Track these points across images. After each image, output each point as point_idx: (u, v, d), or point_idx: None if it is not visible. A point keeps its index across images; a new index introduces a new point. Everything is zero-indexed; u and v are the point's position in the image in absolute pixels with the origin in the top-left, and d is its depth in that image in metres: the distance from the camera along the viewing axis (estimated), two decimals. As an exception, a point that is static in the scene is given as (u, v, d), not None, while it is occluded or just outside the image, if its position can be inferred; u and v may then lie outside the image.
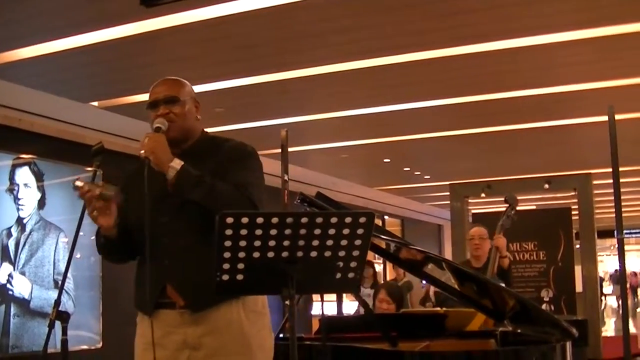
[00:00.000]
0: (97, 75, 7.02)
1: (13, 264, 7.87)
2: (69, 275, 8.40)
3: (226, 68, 6.76)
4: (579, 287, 10.86)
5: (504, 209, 6.07)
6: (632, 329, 12.57)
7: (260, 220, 2.39)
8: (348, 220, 2.45)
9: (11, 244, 7.90)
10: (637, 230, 28.29)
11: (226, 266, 2.46)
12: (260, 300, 2.97)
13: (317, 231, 2.45)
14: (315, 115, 8.81)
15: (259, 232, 2.40)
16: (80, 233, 2.87)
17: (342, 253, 2.52)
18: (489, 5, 5.46)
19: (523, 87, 7.89)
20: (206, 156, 2.98)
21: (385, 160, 12.67)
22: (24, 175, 8.16)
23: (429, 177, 14.87)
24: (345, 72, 7.02)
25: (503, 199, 6.24)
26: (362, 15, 5.67)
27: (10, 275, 7.81)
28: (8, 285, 7.78)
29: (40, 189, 8.32)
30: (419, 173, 14.39)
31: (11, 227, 7.92)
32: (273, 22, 5.77)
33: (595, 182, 11.21)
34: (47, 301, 8.17)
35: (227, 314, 2.87)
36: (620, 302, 24.66)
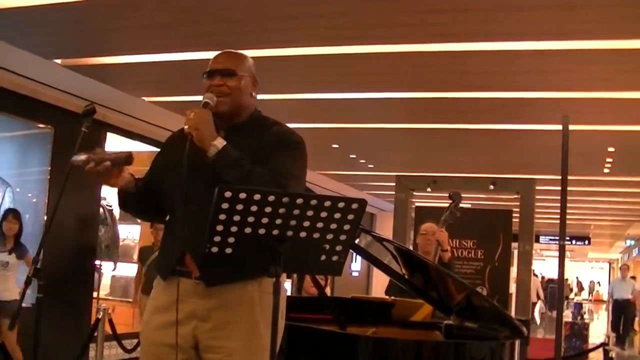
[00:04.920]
0: (66, 33, 6.92)
1: (-43, 215, 7.69)
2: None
3: (198, 40, 6.75)
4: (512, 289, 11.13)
5: (447, 204, 6.22)
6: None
7: (257, 197, 2.42)
8: (341, 205, 2.51)
9: (-44, 195, 7.74)
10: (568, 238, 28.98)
11: (217, 239, 2.49)
12: None
13: (310, 213, 2.49)
14: (272, 95, 8.83)
15: (254, 208, 2.44)
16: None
17: (329, 236, 2.57)
18: (470, 7, 5.59)
19: (483, 89, 8.06)
20: (252, 135, 2.99)
21: (334, 145, 12.76)
22: (-25, 126, 8.02)
23: (372, 166, 15.02)
24: (314, 56, 7.09)
25: (448, 194, 6.38)
26: (343, 3, 5.74)
27: (-47, 227, 7.62)
28: (-51, 237, 7.59)
29: (-10, 141, 8.18)
30: (363, 161, 14.52)
31: (-42, 178, 7.77)
32: (254, 0, 5.80)
33: (537, 187, 11.47)
34: (-12, 255, 8.02)
35: (241, 292, 2.88)
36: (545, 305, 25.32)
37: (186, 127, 2.80)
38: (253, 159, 2.84)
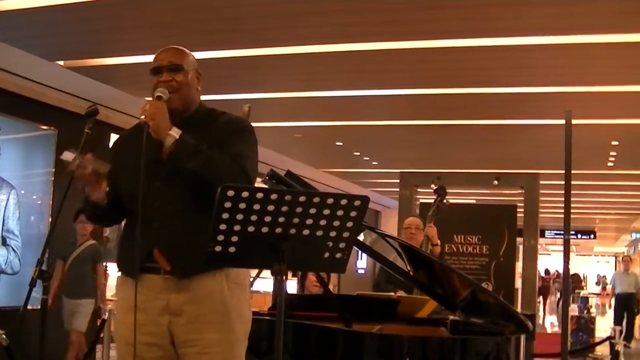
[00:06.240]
0: (68, 34, 6.90)
1: (-38, 218, 7.72)
2: (17, 233, 8.32)
3: (202, 39, 6.70)
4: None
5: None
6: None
7: (260, 195, 2.44)
8: (343, 202, 2.52)
9: (-39, 197, 7.75)
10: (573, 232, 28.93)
11: (220, 237, 2.50)
12: (242, 273, 3.01)
13: (313, 210, 2.50)
14: (277, 93, 8.80)
15: (257, 207, 2.45)
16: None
17: (333, 233, 2.57)
18: (473, 3, 5.59)
19: (486, 85, 8.05)
20: (203, 127, 3.00)
21: (338, 143, 12.75)
22: (-21, 128, 8.02)
23: (376, 163, 14.99)
24: (317, 53, 7.08)
25: (432, 190, 6.43)
26: (346, 0, 5.75)
27: (-42, 229, 7.65)
28: (-45, 239, 7.63)
29: (-5, 143, 8.18)
30: (367, 158, 14.50)
31: (-38, 180, 7.78)
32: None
33: (541, 182, 11.47)
34: (-7, 258, 8.05)
35: (210, 284, 2.90)
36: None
37: (142, 117, 2.82)
38: (208, 147, 2.86)
